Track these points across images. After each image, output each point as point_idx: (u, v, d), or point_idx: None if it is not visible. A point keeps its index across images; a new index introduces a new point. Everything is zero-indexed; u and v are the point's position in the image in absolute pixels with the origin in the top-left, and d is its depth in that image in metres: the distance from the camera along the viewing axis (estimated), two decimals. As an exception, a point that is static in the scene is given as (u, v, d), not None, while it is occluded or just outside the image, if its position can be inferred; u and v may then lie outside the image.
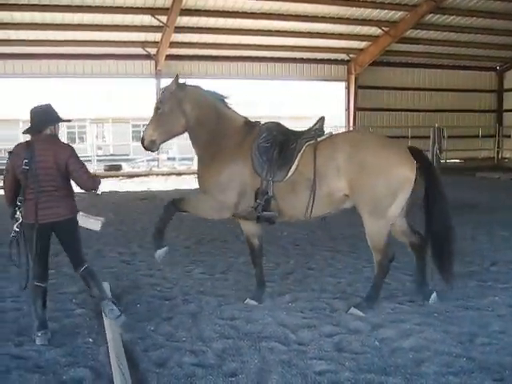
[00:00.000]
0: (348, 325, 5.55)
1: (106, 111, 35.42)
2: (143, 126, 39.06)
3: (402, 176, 5.54)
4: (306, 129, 6.08)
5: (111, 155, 31.86)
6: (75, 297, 6.52)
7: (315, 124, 6.04)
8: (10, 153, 5.10)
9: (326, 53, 25.51)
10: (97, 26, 20.98)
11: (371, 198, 5.57)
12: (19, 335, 5.32)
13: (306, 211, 5.74)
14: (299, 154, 5.73)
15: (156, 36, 22.30)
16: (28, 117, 5.15)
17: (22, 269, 5.23)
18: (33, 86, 29.45)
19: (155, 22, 20.87)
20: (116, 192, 17.69)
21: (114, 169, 24.05)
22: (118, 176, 22.89)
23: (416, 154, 5.74)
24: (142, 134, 6.12)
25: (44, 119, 5.09)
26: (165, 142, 6.23)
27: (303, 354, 4.90)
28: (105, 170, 23.94)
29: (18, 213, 5.01)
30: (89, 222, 6.08)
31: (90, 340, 5.22)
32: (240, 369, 4.62)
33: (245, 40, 23.24)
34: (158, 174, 23.53)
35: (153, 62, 23.64)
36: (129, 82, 24.94)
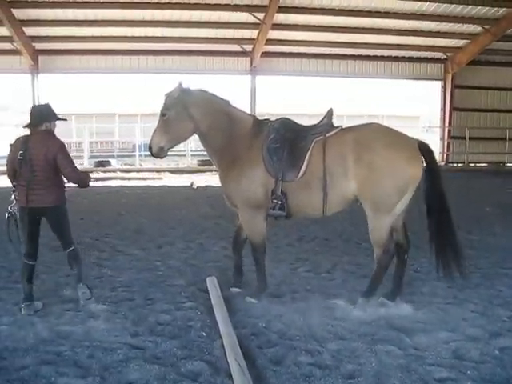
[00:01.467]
0: (464, 331, 5.35)
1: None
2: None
3: (410, 175, 5.54)
4: (314, 124, 6.05)
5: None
6: (184, 290, 6.61)
7: (323, 118, 5.99)
8: (10, 145, 5.79)
9: (422, 51, 24.82)
10: (194, 23, 21.43)
11: (378, 198, 5.59)
12: (135, 325, 5.46)
13: (321, 210, 5.80)
14: (308, 153, 5.74)
15: (252, 33, 22.46)
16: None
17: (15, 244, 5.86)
18: (128, 82, 30.44)
19: (252, 19, 21.02)
20: (210, 187, 17.97)
21: (207, 163, 24.41)
22: (211, 171, 23.23)
23: (424, 149, 5.71)
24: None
25: (40, 117, 5.72)
26: (173, 147, 6.26)
27: (421, 360, 4.75)
28: (198, 164, 24.38)
29: (12, 196, 5.69)
30: None
31: (204, 334, 5.26)
32: (358, 371, 4.54)
33: (340, 38, 23.01)
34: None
35: (248, 58, 23.84)
36: (222, 78, 25.01)
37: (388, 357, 4.81)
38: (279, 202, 5.84)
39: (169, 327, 5.42)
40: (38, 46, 22.41)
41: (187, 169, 23.35)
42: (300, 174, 5.76)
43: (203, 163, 24.46)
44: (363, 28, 22.47)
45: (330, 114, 6.01)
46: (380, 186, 5.56)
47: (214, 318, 5.59)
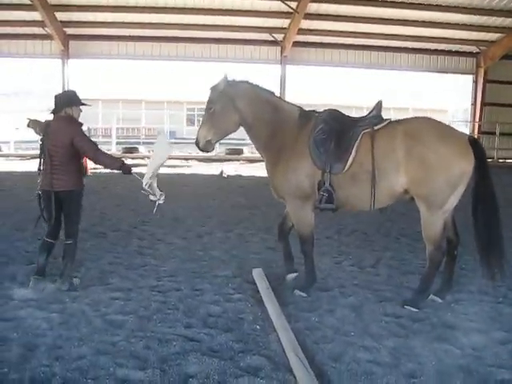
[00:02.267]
0: (520, 332, 5.23)
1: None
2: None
3: (461, 170, 5.43)
4: (363, 115, 5.98)
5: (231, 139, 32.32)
6: (230, 281, 6.54)
7: (372, 110, 5.90)
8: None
9: (454, 44, 24.40)
10: (225, 10, 21.30)
11: (431, 193, 5.49)
12: (186, 316, 5.39)
13: (369, 203, 5.68)
14: (355, 145, 5.64)
15: (283, 22, 22.28)
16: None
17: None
18: (156, 68, 30.42)
19: (284, 8, 20.82)
20: (240, 176, 17.90)
21: (235, 152, 24.42)
22: (238, 160, 23.23)
23: (474, 144, 5.53)
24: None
25: (61, 102, 5.83)
26: (219, 140, 6.34)
27: (480, 360, 4.65)
28: (226, 153, 24.35)
29: (38, 180, 5.85)
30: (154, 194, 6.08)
31: (257, 327, 5.19)
32: (418, 370, 4.44)
33: (372, 29, 22.68)
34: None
35: (278, 47, 23.66)
36: (252, 67, 24.89)
37: (447, 356, 4.71)
38: (326, 195, 5.75)
39: (221, 319, 5.36)
40: (69, 31, 22.42)
41: (215, 157, 23.26)
42: (347, 166, 5.65)
43: (231, 152, 24.42)
44: (396, 19, 22.09)
45: (379, 106, 5.92)
46: (432, 181, 5.45)
47: (265, 311, 5.53)
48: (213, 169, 19.82)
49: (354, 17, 21.53)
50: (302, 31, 22.29)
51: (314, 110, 6.22)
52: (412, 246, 8.42)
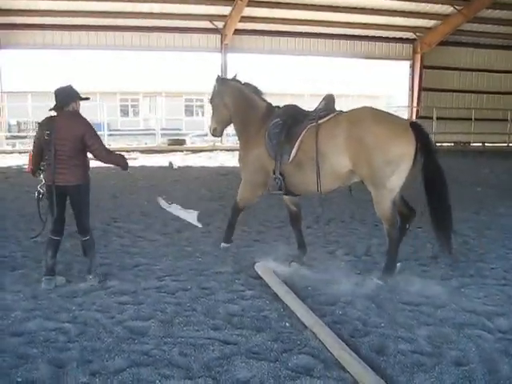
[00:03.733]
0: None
1: (158, 85, 35.16)
2: (196, 100, 39.21)
3: (399, 150, 5.77)
4: (313, 109, 6.48)
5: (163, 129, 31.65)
6: (235, 277, 6.31)
7: (320, 103, 6.46)
8: (39, 124, 5.96)
9: (391, 31, 24.82)
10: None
11: (372, 173, 5.87)
12: (209, 317, 5.13)
13: (316, 187, 6.14)
14: (301, 136, 6.19)
15: (224, 9, 21.93)
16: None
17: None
18: (89, 59, 29.38)
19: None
20: (190, 167, 17.53)
21: (177, 143, 23.90)
22: (181, 150, 22.75)
23: (416, 129, 5.89)
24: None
25: (65, 98, 5.77)
26: (224, 128, 7.29)
27: (515, 343, 4.63)
28: (168, 144, 23.81)
29: (41, 176, 5.83)
30: (187, 216, 7.40)
31: (287, 324, 4.99)
32: (463, 357, 4.38)
33: (312, 16, 22.72)
34: (222, 150, 23.20)
35: (219, 36, 23.28)
36: (192, 56, 24.47)
37: (483, 341, 4.67)
38: (278, 182, 6.35)
39: (246, 319, 5.11)
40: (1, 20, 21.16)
41: (157, 148, 22.71)
42: (291, 156, 6.22)
43: (173, 142, 23.91)
44: (335, 6, 22.28)
45: (328, 99, 6.46)
46: (371, 161, 5.83)
47: (286, 307, 5.35)
48: (159, 160, 19.30)
49: (296, 4, 21.44)
50: (243, 19, 21.98)
51: (277, 106, 6.82)
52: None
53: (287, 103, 6.90)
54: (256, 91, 6.87)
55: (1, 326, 4.85)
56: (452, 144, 26.24)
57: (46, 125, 5.77)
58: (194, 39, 23.39)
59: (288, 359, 4.30)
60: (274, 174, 6.37)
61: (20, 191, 12.37)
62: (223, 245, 7.00)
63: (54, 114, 5.89)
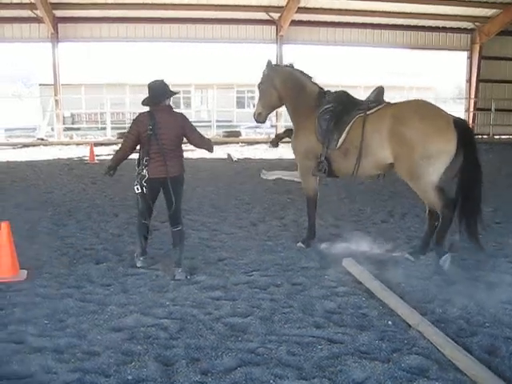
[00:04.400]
0: None
1: (210, 77, 35.16)
2: (247, 91, 39.17)
3: (438, 147, 5.95)
4: (364, 99, 6.79)
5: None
6: (323, 272, 6.19)
7: (371, 94, 6.80)
8: (134, 120, 6.00)
9: (449, 21, 24.13)
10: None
11: (408, 166, 6.14)
12: (307, 315, 5.00)
13: (351, 171, 6.58)
14: (349, 125, 6.49)
15: (280, 0, 21.71)
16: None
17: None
18: (146, 51, 29.57)
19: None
20: (250, 159, 17.45)
21: (233, 135, 23.85)
22: (237, 142, 22.69)
23: (460, 126, 6.03)
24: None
25: (162, 93, 5.95)
26: (269, 113, 7.59)
27: None
28: (223, 136, 23.79)
29: (144, 170, 5.89)
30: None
31: (389, 322, 4.83)
32: None
33: (369, 6, 22.28)
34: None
35: (274, 27, 23.09)
36: (247, 47, 24.40)
37: None
38: (323, 166, 6.71)
39: (345, 316, 4.99)
40: (58, 13, 21.41)
41: (213, 140, 22.67)
42: (339, 143, 6.55)
43: (229, 134, 23.84)
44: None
45: (379, 90, 6.78)
46: (409, 156, 6.08)
47: (384, 304, 5.21)
48: (216, 152, 19.22)
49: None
50: (299, 9, 21.70)
51: (329, 91, 7.05)
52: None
53: (341, 90, 7.14)
54: (307, 76, 7.14)
55: (99, 321, 4.84)
56: (511, 136, 25.47)
57: (145, 120, 5.84)
58: (249, 30, 23.24)
59: (400, 359, 4.15)
60: (320, 157, 6.70)
61: (86, 183, 12.50)
62: (300, 245, 7.19)
63: (146, 108, 6.03)
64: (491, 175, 14.13)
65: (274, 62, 7.45)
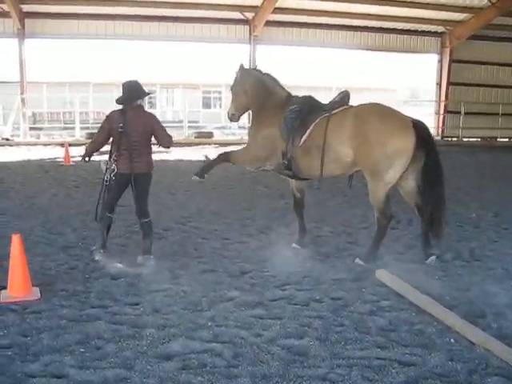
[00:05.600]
0: None
1: (176, 77, 34.49)
2: (213, 92, 38.60)
3: (397, 147, 6.24)
4: (328, 102, 7.03)
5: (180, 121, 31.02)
6: (358, 285, 5.91)
7: (336, 97, 7.03)
8: (107, 117, 6.30)
9: (421, 24, 24.25)
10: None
11: (371, 164, 6.39)
12: (363, 333, 4.69)
13: (317, 172, 6.69)
14: (313, 124, 6.70)
15: (254, 0, 21.36)
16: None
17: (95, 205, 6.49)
18: (111, 49, 28.78)
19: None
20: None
21: (205, 136, 23.36)
22: (209, 144, 22.20)
23: (418, 127, 6.39)
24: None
25: (135, 93, 6.28)
26: (241, 114, 7.73)
27: None
28: (195, 137, 23.27)
29: (113, 165, 6.18)
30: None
31: (452, 340, 4.55)
32: None
33: (342, 8, 22.16)
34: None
35: (247, 27, 22.70)
36: (219, 47, 23.95)
37: None
38: (287, 162, 6.86)
39: (403, 334, 4.69)
40: (25, 8, 20.49)
41: (185, 141, 22.18)
42: (302, 140, 6.73)
43: (201, 135, 23.37)
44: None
45: (343, 94, 6.98)
46: (372, 154, 6.33)
47: (437, 319, 4.95)
48: (191, 154, 18.70)
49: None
50: (275, 10, 21.36)
51: (296, 95, 7.35)
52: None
53: (307, 94, 7.36)
54: (276, 81, 7.38)
55: (142, 347, 4.36)
56: (479, 139, 25.83)
57: (117, 118, 6.16)
58: (221, 30, 22.78)
59: (482, 382, 3.86)
60: (284, 155, 6.88)
61: (68, 186, 11.89)
62: (194, 178, 7.45)
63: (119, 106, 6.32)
64: (476, 179, 14.22)
65: (246, 65, 7.68)
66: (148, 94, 6.59)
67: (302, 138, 6.75)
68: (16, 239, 5.41)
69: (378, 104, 6.87)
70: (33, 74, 25.47)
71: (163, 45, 26.48)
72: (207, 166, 7.45)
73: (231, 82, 7.52)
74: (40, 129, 27.33)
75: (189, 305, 5.24)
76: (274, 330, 4.71)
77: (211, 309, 5.15)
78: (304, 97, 7.23)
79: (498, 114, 25.67)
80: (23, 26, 20.66)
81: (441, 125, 25.40)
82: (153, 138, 6.37)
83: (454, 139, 25.47)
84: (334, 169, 6.72)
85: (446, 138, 25.41)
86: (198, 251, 7.11)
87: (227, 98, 30.37)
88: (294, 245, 7.28)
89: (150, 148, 6.41)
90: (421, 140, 6.30)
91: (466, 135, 25.76)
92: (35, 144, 21.35)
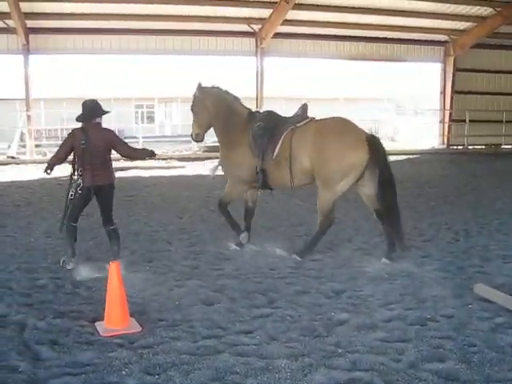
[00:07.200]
0: None
1: (174, 90, 34.16)
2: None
3: (352, 161, 6.87)
4: (291, 115, 7.53)
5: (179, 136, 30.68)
6: (463, 302, 5.68)
7: (298, 110, 7.50)
8: (70, 134, 6.80)
9: (425, 33, 24.17)
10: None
11: (325, 176, 7.02)
12: (502, 354, 4.45)
13: (288, 182, 7.23)
14: (282, 138, 7.18)
15: (263, 12, 21.19)
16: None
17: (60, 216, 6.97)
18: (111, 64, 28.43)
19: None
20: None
21: (214, 150, 22.99)
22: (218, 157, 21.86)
23: (371, 141, 6.94)
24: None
25: (94, 111, 6.76)
26: (205, 133, 7.95)
27: None
28: (204, 151, 22.94)
29: (79, 180, 6.61)
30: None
31: None
32: None
33: (349, 19, 22.04)
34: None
35: (253, 39, 22.51)
36: (226, 60, 23.73)
37: None
38: (261, 177, 7.31)
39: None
40: (30, 23, 20.08)
41: (194, 156, 21.92)
42: (274, 155, 7.21)
43: (210, 149, 23.01)
44: (368, 8, 21.57)
45: (304, 107, 7.50)
46: (327, 168, 6.95)
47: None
48: (198, 168, 18.42)
49: (339, 7, 20.83)
50: (283, 22, 21.16)
51: (258, 111, 8.02)
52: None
53: (269, 110, 7.89)
54: (237, 99, 7.75)
55: (285, 381, 4.05)
56: (483, 146, 25.89)
57: (79, 135, 6.64)
58: (228, 42, 22.55)
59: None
60: (257, 170, 7.28)
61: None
62: (242, 236, 7.74)
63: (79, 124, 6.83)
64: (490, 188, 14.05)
65: (203, 84, 7.74)
66: (106, 112, 6.95)
67: (273, 151, 7.20)
68: (114, 267, 5.11)
69: (338, 119, 7.40)
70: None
71: (167, 59, 26.12)
72: (233, 227, 7.86)
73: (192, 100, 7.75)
74: (38, 146, 26.80)
75: (305, 330, 4.96)
76: (410, 354, 4.46)
77: (331, 334, 4.89)
78: (267, 112, 7.73)
79: (502, 121, 25.71)
80: (28, 41, 20.24)
81: (446, 133, 25.38)
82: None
83: (460, 147, 25.48)
84: (301, 179, 7.25)
85: (451, 147, 25.41)
86: (276, 271, 6.84)
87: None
88: (383, 260, 7.16)
89: (111, 162, 6.91)
90: (374, 154, 6.88)
91: (472, 143, 25.80)
92: (41, 162, 20.82)
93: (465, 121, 24.97)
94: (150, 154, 7.08)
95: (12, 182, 15.50)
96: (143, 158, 7.36)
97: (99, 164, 6.67)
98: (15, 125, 23.15)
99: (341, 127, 7.20)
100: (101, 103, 6.92)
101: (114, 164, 7.06)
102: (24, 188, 14.08)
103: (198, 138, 7.93)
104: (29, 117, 21.35)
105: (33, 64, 21.59)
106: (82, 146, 6.54)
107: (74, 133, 6.77)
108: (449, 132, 25.35)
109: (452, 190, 13.85)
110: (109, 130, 6.99)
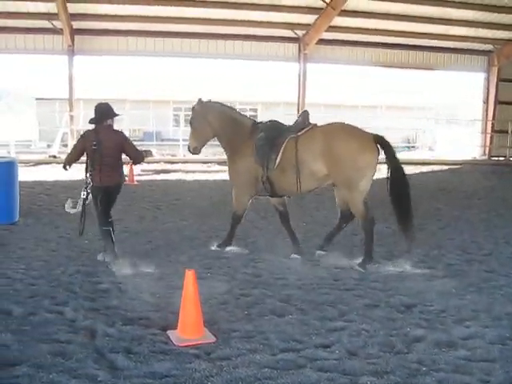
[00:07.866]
0: None
1: (213, 94, 34.25)
2: (249, 109, 38.30)
3: (365, 161, 7.09)
4: (292, 124, 7.70)
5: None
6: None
7: (298, 118, 7.74)
8: (82, 135, 7.09)
9: (469, 42, 23.91)
10: (246, 4, 19.95)
11: (344, 179, 7.19)
12: None
13: (295, 188, 7.33)
14: (283, 146, 7.33)
15: (307, 18, 21.12)
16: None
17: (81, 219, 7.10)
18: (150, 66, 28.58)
19: (312, 3, 19.70)
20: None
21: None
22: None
23: (380, 141, 7.19)
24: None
25: (106, 114, 7.05)
26: (203, 146, 8.11)
27: None
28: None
29: (89, 179, 6.91)
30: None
31: None
32: None
33: (393, 26, 21.93)
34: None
35: (296, 45, 22.46)
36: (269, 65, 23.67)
37: None
38: (267, 185, 7.47)
39: None
40: (75, 24, 20.33)
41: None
42: (276, 163, 7.34)
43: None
44: (413, 16, 21.39)
45: (304, 114, 7.70)
46: (343, 170, 7.12)
47: None
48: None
49: (387, 14, 20.68)
50: (328, 28, 21.11)
51: (261, 122, 8.04)
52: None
53: (271, 119, 8.00)
54: (239, 112, 8.09)
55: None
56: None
57: (90, 137, 6.89)
58: (271, 48, 22.55)
59: None
60: (262, 179, 7.44)
61: (147, 208, 11.50)
62: (215, 248, 8.03)
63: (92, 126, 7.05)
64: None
65: (202, 100, 7.87)
66: (117, 115, 7.20)
67: (275, 160, 7.33)
68: (190, 275, 5.03)
69: (342, 123, 7.57)
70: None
71: (211, 62, 26.14)
72: (228, 237, 8.03)
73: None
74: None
75: (383, 346, 4.83)
76: (498, 375, 4.31)
77: (411, 351, 4.74)
78: (270, 122, 7.89)
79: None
80: (73, 42, 20.46)
81: (488, 144, 24.97)
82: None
83: (501, 158, 25.04)
84: (309, 184, 7.40)
85: (492, 158, 25.00)
86: (341, 281, 6.73)
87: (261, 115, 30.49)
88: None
89: (121, 163, 7.15)
90: (385, 152, 7.19)
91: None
92: (82, 162, 21.00)
93: (507, 131, 24.51)
94: (149, 155, 7.54)
95: (55, 181, 15.58)
96: (139, 162, 7.59)
97: (109, 165, 6.91)
98: (54, 124, 23.32)
99: (349, 130, 7.42)
100: (111, 106, 7.19)
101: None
102: (68, 188, 14.07)
103: (196, 151, 8.05)
104: (71, 117, 21.57)
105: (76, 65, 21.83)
106: (93, 147, 6.80)
107: (86, 134, 7.05)
108: (491, 143, 24.93)
109: (499, 201, 13.57)
110: (120, 133, 7.28)
